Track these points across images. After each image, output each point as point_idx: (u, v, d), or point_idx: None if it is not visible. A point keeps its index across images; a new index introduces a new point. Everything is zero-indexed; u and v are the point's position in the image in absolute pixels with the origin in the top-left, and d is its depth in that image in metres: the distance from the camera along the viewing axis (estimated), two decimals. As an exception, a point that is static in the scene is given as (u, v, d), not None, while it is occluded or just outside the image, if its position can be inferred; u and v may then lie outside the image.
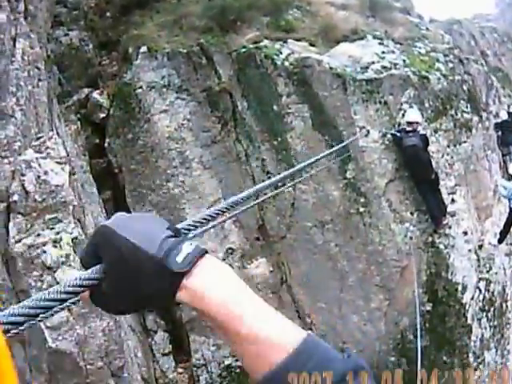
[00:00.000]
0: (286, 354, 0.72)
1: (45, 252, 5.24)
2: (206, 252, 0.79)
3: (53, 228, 5.45)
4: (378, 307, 9.27)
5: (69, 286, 0.79)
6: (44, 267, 5.18)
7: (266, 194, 8.97)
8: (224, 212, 1.54)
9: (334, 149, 7.74)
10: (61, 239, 5.61)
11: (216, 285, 0.76)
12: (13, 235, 5.24)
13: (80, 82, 9.52)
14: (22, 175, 5.34)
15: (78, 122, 8.94)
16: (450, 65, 10.08)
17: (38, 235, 5.32)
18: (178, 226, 0.99)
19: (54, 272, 5.21)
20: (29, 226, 5.36)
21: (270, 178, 8.70)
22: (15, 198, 5.30)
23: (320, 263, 8.91)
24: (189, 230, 1.16)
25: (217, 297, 0.75)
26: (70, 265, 5.53)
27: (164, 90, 8.78)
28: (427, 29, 10.39)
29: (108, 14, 10.09)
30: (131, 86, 8.86)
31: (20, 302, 0.78)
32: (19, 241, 5.21)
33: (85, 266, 0.81)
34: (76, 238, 5.70)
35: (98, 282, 0.78)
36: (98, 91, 9.32)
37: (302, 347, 0.73)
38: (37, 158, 5.49)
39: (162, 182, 8.77)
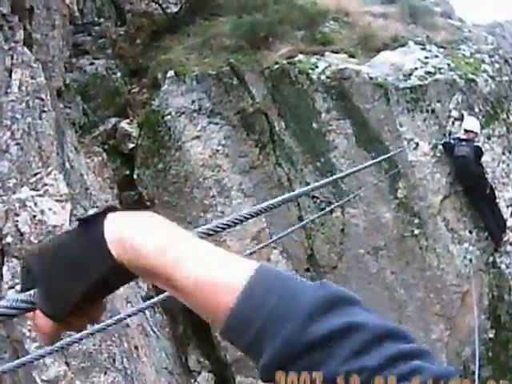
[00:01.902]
0: (237, 293, 0.58)
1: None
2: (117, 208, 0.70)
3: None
4: (439, 338, 8.19)
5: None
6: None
7: (313, 222, 8.06)
8: (255, 215, 1.46)
9: (377, 160, 6.75)
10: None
11: (143, 231, 0.66)
12: (6, 280, 4.57)
13: (107, 112, 8.75)
14: (16, 215, 4.64)
15: (104, 154, 8.14)
16: (497, 65, 9.02)
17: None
18: (201, 228, 1.07)
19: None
20: (24, 270, 4.56)
21: (315, 202, 7.76)
22: (9, 239, 4.63)
23: (376, 293, 7.88)
24: (209, 234, 1.09)
25: (147, 244, 0.64)
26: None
27: (195, 114, 7.93)
28: (470, 31, 9.38)
29: (138, 41, 9.32)
30: (159, 113, 8.03)
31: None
32: (13, 287, 4.50)
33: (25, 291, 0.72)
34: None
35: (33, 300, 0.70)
36: (126, 120, 8.54)
37: (255, 280, 0.58)
38: (32, 196, 4.78)
39: (198, 213, 7.89)
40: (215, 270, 0.61)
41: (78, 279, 0.67)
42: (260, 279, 0.58)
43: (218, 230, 1.23)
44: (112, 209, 0.69)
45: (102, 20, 9.36)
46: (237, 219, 1.34)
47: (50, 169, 5.83)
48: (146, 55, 8.75)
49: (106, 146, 8.42)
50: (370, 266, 7.75)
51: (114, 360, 5.33)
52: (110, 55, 8.97)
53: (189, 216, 7.91)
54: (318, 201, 7.69)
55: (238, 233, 7.78)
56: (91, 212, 0.71)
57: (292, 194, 2.49)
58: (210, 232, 1.16)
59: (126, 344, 5.79)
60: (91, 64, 9.01)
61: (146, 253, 0.64)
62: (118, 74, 8.83)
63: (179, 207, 7.91)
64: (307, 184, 7.74)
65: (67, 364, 4.60)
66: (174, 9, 8.95)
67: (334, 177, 7.41)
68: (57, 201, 5.64)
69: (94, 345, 4.99)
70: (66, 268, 0.67)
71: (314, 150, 7.69)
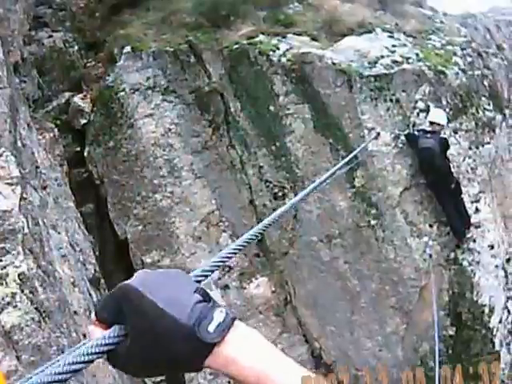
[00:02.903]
0: None
1: (-13, 290, 3.97)
2: (235, 318, 0.73)
3: (-2, 260, 4.20)
4: (395, 331, 7.78)
5: (92, 346, 0.72)
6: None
7: (265, 206, 7.64)
8: (237, 252, 1.40)
9: (345, 160, 6.26)
10: (7, 275, 4.39)
11: (246, 351, 0.70)
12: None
13: (62, 86, 8.31)
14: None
15: (56, 130, 7.70)
16: (469, 59, 8.63)
17: (-20, 270, 4.08)
18: (192, 274, 1.00)
19: (-2, 315, 3.94)
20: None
21: (268, 186, 7.34)
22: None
23: (328, 282, 7.47)
24: (205, 276, 1.06)
25: (246, 361, 0.70)
26: (16, 306, 4.29)
27: (149, 92, 7.51)
28: (441, 22, 8.98)
29: (98, 14, 8.88)
30: (113, 89, 7.61)
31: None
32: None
33: (100, 320, 0.74)
34: (23, 273, 4.46)
35: (118, 344, 0.72)
36: (80, 95, 8.10)
37: None
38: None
39: (148, 193, 7.46)
40: None
41: (162, 367, 0.72)
42: None
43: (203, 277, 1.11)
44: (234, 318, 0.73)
45: (64, -8, 8.97)
46: (220, 260, 1.25)
47: (1, 150, 5.41)
48: (105, 29, 8.33)
49: (58, 122, 7.99)
50: (322, 254, 7.33)
51: (62, 352, 4.91)
52: (68, 28, 8.54)
53: (138, 196, 7.48)
54: (271, 185, 7.27)
55: (187, 214, 7.37)
56: (222, 313, 0.72)
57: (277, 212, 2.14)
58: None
59: (74, 334, 5.37)
60: (49, 37, 8.57)
61: (245, 367, 0.70)
62: (75, 48, 8.40)
63: (128, 186, 7.48)
64: (260, 167, 7.34)
65: (18, 358, 4.19)
66: (137, -18, 8.53)
67: (309, 189, 7.07)
68: (7, 184, 5.22)
69: (43, 338, 4.58)
70: (158, 349, 0.69)
71: (269, 133, 7.28)
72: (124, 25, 8.13)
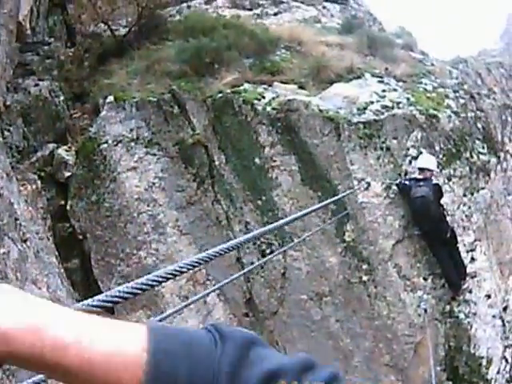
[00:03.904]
0: (142, 369, 0.51)
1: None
2: None
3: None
4: (390, 389, 7.14)
5: None
6: None
7: (252, 264, 7.05)
8: (194, 266, 1.38)
9: (324, 203, 5.74)
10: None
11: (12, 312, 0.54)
12: None
13: (47, 137, 7.78)
14: None
15: (39, 182, 7.18)
16: (461, 101, 8.05)
17: None
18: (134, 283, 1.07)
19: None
20: None
21: (255, 243, 6.74)
22: None
23: (319, 342, 6.84)
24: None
25: (17, 329, 0.53)
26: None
27: (132, 144, 6.96)
28: (432, 64, 8.40)
29: (86, 63, 8.37)
30: (96, 140, 7.08)
31: None
32: None
33: None
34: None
35: None
36: (65, 147, 7.57)
37: (155, 349, 0.52)
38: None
39: (132, 250, 6.89)
40: (108, 344, 0.53)
41: None
42: (159, 346, 0.53)
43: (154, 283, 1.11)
44: None
45: (52, 40, 8.46)
46: (176, 270, 1.23)
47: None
48: (91, 79, 7.81)
49: (42, 174, 7.46)
50: (312, 312, 6.71)
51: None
52: (55, 77, 8.02)
53: (122, 253, 6.91)
54: (259, 242, 6.68)
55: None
56: None
57: (234, 241, 1.99)
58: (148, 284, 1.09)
59: None
60: (36, 85, 8.06)
61: (19, 339, 0.52)
62: (61, 98, 7.86)
63: (112, 243, 6.91)
64: (247, 223, 6.75)
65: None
66: (123, 31, 8.02)
67: (282, 221, 6.47)
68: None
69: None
70: None
71: (255, 186, 6.70)
72: (109, 74, 7.62)
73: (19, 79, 8.43)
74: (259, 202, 6.68)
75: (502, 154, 8.23)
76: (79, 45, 8.09)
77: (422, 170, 6.81)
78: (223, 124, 6.79)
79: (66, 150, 7.47)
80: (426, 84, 7.84)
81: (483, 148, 7.91)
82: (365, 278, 6.70)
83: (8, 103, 8.06)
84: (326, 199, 6.68)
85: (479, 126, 8.05)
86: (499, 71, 9.02)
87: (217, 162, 6.78)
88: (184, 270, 1.25)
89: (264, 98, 6.86)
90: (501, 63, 9.31)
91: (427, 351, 6.81)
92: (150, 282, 1.11)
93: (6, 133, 7.99)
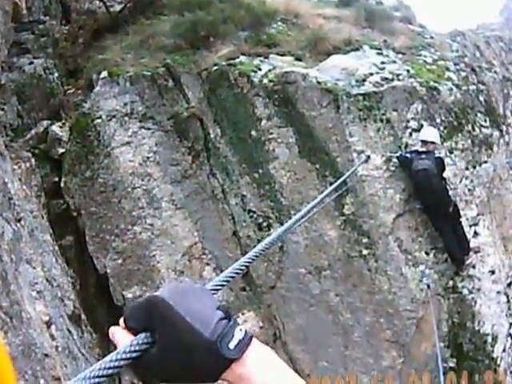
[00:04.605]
0: None
1: None
2: (252, 337, 0.72)
3: None
4: (391, 365, 6.77)
5: (124, 352, 0.71)
6: None
7: (249, 238, 6.69)
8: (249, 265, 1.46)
9: (333, 186, 5.34)
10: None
11: (260, 370, 0.71)
12: None
13: (41, 114, 7.45)
14: None
15: (33, 159, 6.85)
16: (462, 73, 7.64)
17: None
18: (208, 286, 1.02)
19: None
20: None
21: (251, 216, 6.39)
22: None
23: (318, 316, 6.49)
24: (217, 289, 1.08)
25: (259, 380, 0.70)
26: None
27: (126, 118, 6.61)
28: (431, 37, 7.99)
29: (80, 40, 8.03)
30: (90, 116, 6.74)
31: None
32: None
33: (128, 328, 0.73)
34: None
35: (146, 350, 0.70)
36: (58, 123, 7.24)
37: None
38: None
39: (126, 225, 6.55)
40: None
41: (183, 376, 0.71)
42: None
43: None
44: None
45: (47, 18, 8.13)
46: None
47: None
48: (85, 55, 7.47)
49: (36, 151, 7.13)
50: (311, 287, 6.35)
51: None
52: (50, 54, 7.69)
53: (116, 228, 6.57)
54: (255, 215, 6.33)
55: (168, 247, 6.44)
56: (241, 331, 0.71)
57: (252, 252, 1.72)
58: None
59: (41, 380, 4.48)
60: (30, 63, 7.73)
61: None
62: (56, 74, 7.52)
63: (106, 218, 6.58)
64: (243, 197, 6.39)
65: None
66: (118, 7, 7.68)
67: (295, 218, 6.17)
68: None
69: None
70: (182, 359, 0.69)
71: (251, 159, 6.33)
72: (103, 50, 7.28)
73: (14, 58, 8.10)
74: (256, 175, 6.32)
75: (504, 128, 7.82)
76: (74, 22, 7.75)
77: (424, 142, 6.43)
78: (218, 97, 6.43)
79: (60, 127, 7.14)
80: (425, 56, 7.44)
81: (485, 121, 7.50)
82: (365, 252, 6.33)
83: (2, 82, 7.75)
84: (324, 172, 6.33)
85: (481, 98, 7.64)
86: (498, 45, 8.61)
87: (212, 135, 6.42)
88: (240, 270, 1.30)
89: (260, 70, 6.49)
90: (500, 37, 8.88)
91: (430, 327, 6.45)
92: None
93: (0, 112, 7.68)
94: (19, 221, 6.39)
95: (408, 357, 6.72)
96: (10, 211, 6.26)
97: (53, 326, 5.83)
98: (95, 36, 7.83)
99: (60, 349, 5.75)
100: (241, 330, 0.71)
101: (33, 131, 7.19)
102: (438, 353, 6.07)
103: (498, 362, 7.01)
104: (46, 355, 4.85)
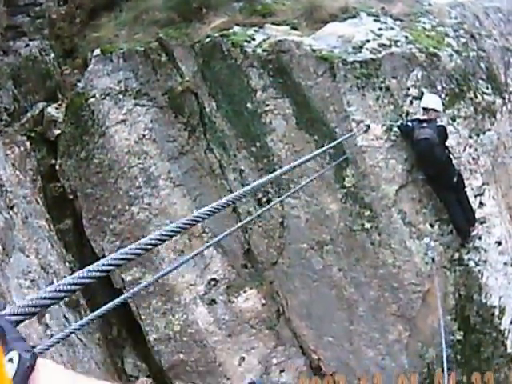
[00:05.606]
0: None
1: None
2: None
3: None
4: (397, 339, 6.37)
5: None
6: None
7: (249, 214, 6.29)
8: (191, 225, 1.34)
9: (323, 149, 4.95)
10: None
11: None
12: None
13: (38, 97, 7.04)
14: None
15: (28, 143, 6.46)
16: (462, 40, 7.09)
17: None
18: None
19: None
20: None
21: (250, 192, 5.95)
22: None
23: (321, 291, 6.08)
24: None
25: None
26: None
27: (120, 96, 6.18)
28: (430, 5, 7.44)
29: (77, 19, 7.57)
30: (84, 95, 6.31)
31: None
32: None
33: None
34: None
35: None
36: (55, 105, 6.83)
37: None
38: None
39: (124, 206, 6.15)
40: None
41: None
42: None
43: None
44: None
45: (43, 0, 7.71)
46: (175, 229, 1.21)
47: None
48: (81, 34, 7.04)
49: (32, 134, 6.74)
50: (314, 262, 5.93)
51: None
52: (46, 36, 7.26)
53: (113, 209, 6.18)
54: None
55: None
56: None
57: (231, 195, 1.85)
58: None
59: None
60: (26, 46, 7.31)
61: None
62: (52, 55, 7.09)
63: (103, 200, 6.18)
64: (241, 171, 5.96)
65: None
66: (112, -15, 7.21)
67: (279, 171, 5.60)
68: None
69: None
70: None
71: (248, 133, 5.88)
72: (98, 28, 6.84)
73: (10, 42, 7.70)
74: (253, 149, 5.87)
75: (506, 96, 7.29)
76: (71, 2, 7.31)
77: (426, 110, 5.93)
78: (212, 69, 5.96)
79: (56, 108, 6.73)
80: (424, 23, 6.89)
81: (487, 88, 6.97)
82: (367, 226, 5.88)
83: (-4, 66, 7.35)
84: (322, 143, 5.86)
85: (482, 65, 7.10)
86: (497, 15, 8.06)
87: (207, 109, 5.97)
88: (181, 229, 1.21)
89: (254, 40, 6.01)
90: (499, 8, 8.34)
91: (436, 300, 6.03)
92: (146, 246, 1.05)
93: (-5, 96, 7.28)
94: (12, 208, 5.99)
95: (414, 330, 6.30)
96: (2, 199, 5.86)
97: (47, 315, 5.47)
98: (92, 15, 7.37)
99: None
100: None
101: (29, 114, 6.79)
102: (441, 326, 5.67)
103: (506, 334, 6.58)
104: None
